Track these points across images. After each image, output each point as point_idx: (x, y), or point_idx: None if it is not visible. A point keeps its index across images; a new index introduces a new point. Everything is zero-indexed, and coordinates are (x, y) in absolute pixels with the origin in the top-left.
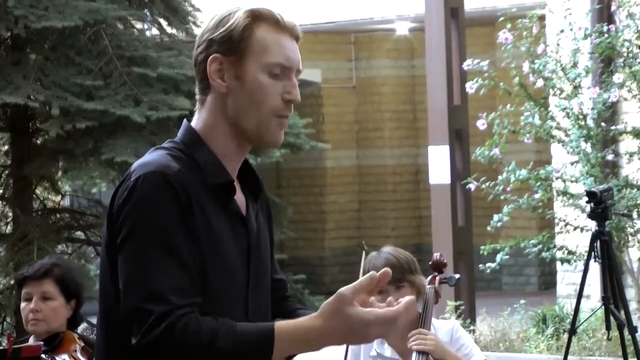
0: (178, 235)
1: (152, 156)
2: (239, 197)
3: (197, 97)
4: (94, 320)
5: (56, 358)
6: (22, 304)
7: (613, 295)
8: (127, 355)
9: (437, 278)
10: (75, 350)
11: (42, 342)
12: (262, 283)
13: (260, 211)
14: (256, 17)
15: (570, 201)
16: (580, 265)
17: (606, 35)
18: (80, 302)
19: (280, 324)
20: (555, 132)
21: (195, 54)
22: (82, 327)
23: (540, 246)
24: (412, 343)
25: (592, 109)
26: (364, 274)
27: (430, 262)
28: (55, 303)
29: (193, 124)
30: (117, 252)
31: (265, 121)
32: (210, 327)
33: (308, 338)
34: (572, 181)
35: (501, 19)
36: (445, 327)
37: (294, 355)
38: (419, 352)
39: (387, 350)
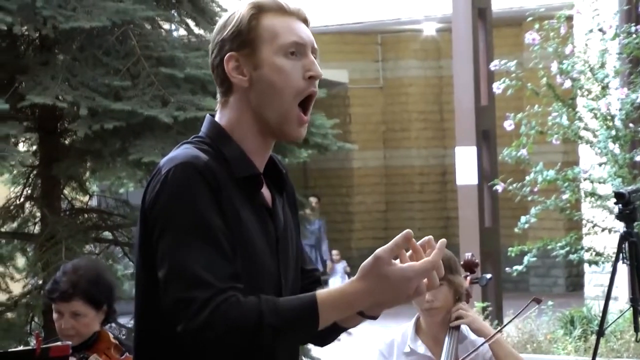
0: (214, 222)
1: (180, 150)
2: (265, 192)
3: (219, 98)
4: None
5: (90, 356)
6: (55, 315)
7: None
8: (168, 348)
9: (469, 278)
10: (109, 348)
11: (70, 342)
12: (290, 275)
13: (286, 204)
14: (259, 7)
15: (598, 202)
16: (608, 266)
17: (634, 35)
18: (112, 303)
19: (321, 292)
20: (583, 133)
21: (210, 61)
22: (107, 327)
23: (567, 248)
24: (454, 313)
25: (620, 109)
26: None
27: (462, 262)
28: (87, 319)
29: (217, 120)
30: (153, 248)
31: (288, 112)
32: (254, 306)
33: (351, 300)
34: (600, 182)
35: (529, 19)
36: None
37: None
38: (453, 328)
39: (421, 347)
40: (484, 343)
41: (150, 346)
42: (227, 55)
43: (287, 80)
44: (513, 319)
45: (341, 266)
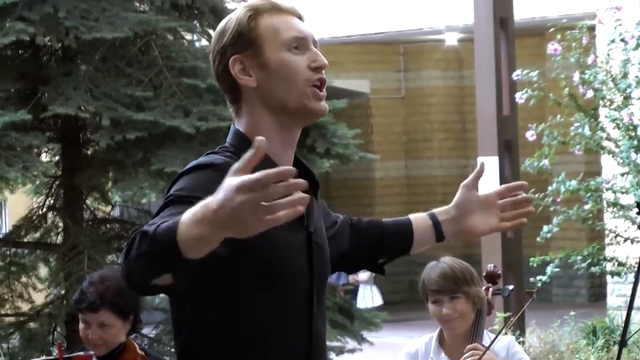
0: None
1: (202, 157)
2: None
3: (231, 109)
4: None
5: None
6: (81, 326)
7: None
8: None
9: (491, 289)
10: (136, 359)
11: (92, 352)
12: (323, 267)
13: (316, 204)
14: (255, 9)
15: (621, 212)
16: (631, 277)
17: None
18: (138, 314)
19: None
20: (605, 143)
21: (214, 71)
22: (131, 337)
23: (589, 259)
24: (467, 357)
25: None
26: (423, 284)
27: (484, 274)
28: (114, 329)
29: (238, 127)
30: None
31: (304, 91)
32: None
33: (199, 211)
34: (622, 192)
35: (551, 29)
36: (501, 342)
37: None
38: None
39: (444, 359)
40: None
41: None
42: (231, 59)
43: (295, 73)
44: (513, 320)
45: (366, 276)
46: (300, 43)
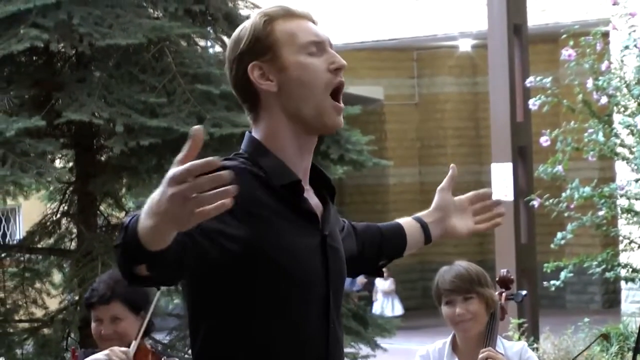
0: None
1: None
2: (312, 199)
3: (249, 116)
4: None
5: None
6: (93, 324)
7: None
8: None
9: (504, 294)
10: (147, 356)
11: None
12: (338, 270)
13: (332, 209)
14: (270, 15)
15: (635, 219)
16: None
17: None
18: (148, 310)
19: None
20: (619, 149)
21: (232, 80)
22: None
23: (604, 265)
24: (482, 355)
25: None
26: (436, 286)
27: (497, 279)
28: (126, 323)
29: (254, 135)
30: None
31: (322, 103)
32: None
33: (149, 203)
34: (636, 198)
35: (564, 36)
36: (514, 347)
37: None
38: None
39: None
40: None
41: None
42: (250, 65)
43: (314, 76)
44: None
45: (388, 284)
46: (318, 47)
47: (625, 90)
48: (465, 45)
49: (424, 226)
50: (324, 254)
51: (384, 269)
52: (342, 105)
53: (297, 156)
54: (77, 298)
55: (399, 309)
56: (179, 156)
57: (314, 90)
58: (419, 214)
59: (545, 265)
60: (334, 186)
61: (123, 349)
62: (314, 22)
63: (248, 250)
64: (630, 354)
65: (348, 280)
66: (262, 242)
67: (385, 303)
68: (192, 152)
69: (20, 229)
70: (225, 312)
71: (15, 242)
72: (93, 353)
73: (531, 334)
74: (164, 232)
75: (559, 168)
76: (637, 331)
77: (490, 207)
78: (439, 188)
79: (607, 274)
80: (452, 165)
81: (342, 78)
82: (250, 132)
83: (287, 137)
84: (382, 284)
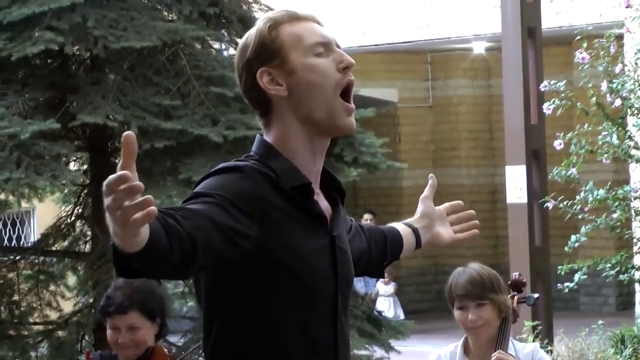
0: (217, 199)
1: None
2: (323, 202)
3: (261, 122)
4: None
5: None
6: (109, 332)
7: None
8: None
9: (516, 297)
10: None
11: None
12: (347, 272)
13: (342, 211)
14: (274, 20)
15: None
16: None
17: None
18: (164, 316)
19: None
20: (633, 151)
21: (242, 87)
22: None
23: (618, 268)
24: (493, 357)
25: None
26: (449, 289)
27: (509, 282)
28: (142, 331)
29: (265, 138)
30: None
31: (333, 105)
32: None
33: None
34: None
35: (578, 38)
36: (526, 349)
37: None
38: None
39: None
40: None
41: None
42: (258, 71)
43: (324, 76)
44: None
45: (390, 289)
46: (325, 47)
47: (639, 93)
48: (479, 48)
49: (415, 231)
50: (332, 256)
51: (384, 272)
52: (352, 105)
53: (309, 159)
54: (91, 300)
55: (400, 314)
56: (119, 164)
57: (324, 91)
58: (408, 220)
59: (559, 267)
60: (344, 189)
61: None
62: (319, 23)
63: (258, 249)
64: None
65: (363, 282)
66: (272, 242)
67: (387, 307)
68: (128, 159)
69: (34, 232)
70: (234, 311)
71: (29, 244)
72: (110, 356)
73: (545, 336)
74: (122, 235)
75: (573, 171)
76: None
77: (465, 219)
78: (421, 197)
79: (621, 277)
80: (430, 175)
81: (351, 77)
82: (261, 134)
83: (300, 140)
84: (383, 288)
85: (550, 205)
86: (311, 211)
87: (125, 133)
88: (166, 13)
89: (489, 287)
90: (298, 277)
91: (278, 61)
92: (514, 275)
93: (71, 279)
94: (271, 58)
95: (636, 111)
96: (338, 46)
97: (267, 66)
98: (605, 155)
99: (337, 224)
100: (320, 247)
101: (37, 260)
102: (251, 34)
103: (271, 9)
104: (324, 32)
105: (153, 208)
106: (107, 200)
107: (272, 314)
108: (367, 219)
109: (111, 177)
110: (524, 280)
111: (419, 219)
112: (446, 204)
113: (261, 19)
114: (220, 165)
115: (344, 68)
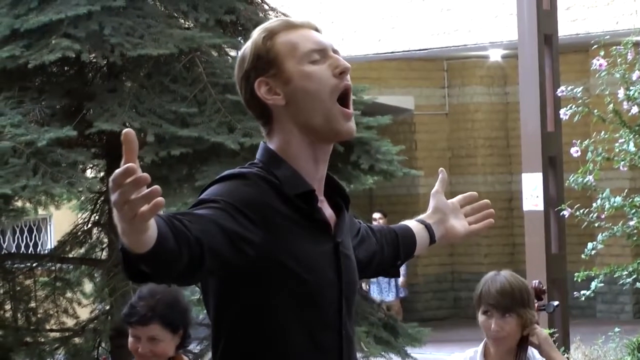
0: (222, 204)
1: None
2: (327, 209)
3: (263, 132)
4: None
5: None
6: (130, 339)
7: None
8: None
9: (536, 305)
10: None
11: None
12: (351, 277)
13: (347, 217)
14: (269, 30)
15: None
16: None
17: None
18: (187, 328)
19: None
20: None
21: (243, 99)
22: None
23: (634, 276)
24: (530, 329)
25: None
26: (480, 294)
27: None
28: (163, 344)
29: (269, 145)
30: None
31: (330, 111)
32: None
33: None
34: None
35: (595, 46)
36: (539, 355)
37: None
38: (521, 351)
39: None
40: None
41: None
42: (256, 82)
43: (319, 83)
44: None
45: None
46: (320, 54)
47: None
48: (495, 55)
49: (428, 227)
50: (336, 261)
51: (400, 271)
52: (350, 110)
53: (311, 166)
54: (108, 307)
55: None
56: (122, 161)
57: (320, 98)
58: (420, 216)
59: (576, 274)
60: (348, 195)
61: None
62: (317, 30)
63: (262, 255)
64: None
65: (379, 289)
66: (276, 248)
67: (382, 285)
68: (129, 155)
69: (51, 239)
70: (240, 317)
71: (46, 251)
72: None
73: (562, 343)
74: (130, 232)
75: (590, 178)
76: None
77: (479, 209)
78: (432, 192)
79: (638, 284)
80: (440, 169)
81: (348, 82)
82: (265, 142)
83: (301, 148)
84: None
85: (566, 212)
86: (315, 218)
87: (124, 130)
88: (182, 21)
89: (518, 301)
90: (302, 282)
91: (274, 71)
92: (534, 283)
93: (88, 286)
94: (267, 68)
95: None
96: (335, 51)
97: (264, 76)
98: (622, 162)
99: (341, 230)
100: (324, 253)
101: (53, 267)
102: (247, 46)
103: (287, 16)
104: (320, 39)
105: (160, 199)
106: (113, 197)
107: (277, 319)
108: (377, 219)
109: (116, 171)
110: (544, 288)
111: (431, 214)
112: (459, 196)
113: (257, 29)
114: (225, 173)
115: (340, 73)
